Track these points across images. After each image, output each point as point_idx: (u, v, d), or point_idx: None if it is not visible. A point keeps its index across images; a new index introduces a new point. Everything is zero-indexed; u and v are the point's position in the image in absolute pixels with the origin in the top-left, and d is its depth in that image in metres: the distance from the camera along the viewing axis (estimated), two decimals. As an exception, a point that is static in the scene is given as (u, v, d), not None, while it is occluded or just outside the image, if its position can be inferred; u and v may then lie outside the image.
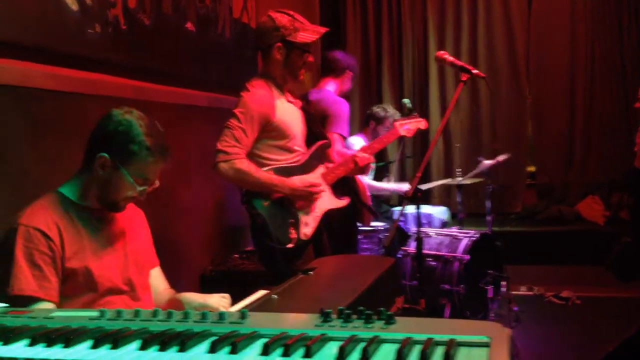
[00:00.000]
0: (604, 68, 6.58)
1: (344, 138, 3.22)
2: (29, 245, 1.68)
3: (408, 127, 3.32)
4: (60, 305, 1.72)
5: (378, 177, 5.32)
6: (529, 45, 6.79)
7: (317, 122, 3.05)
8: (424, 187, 4.94)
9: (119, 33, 2.92)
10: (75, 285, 1.76)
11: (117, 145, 1.78)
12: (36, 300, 1.66)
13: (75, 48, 2.64)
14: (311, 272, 2.07)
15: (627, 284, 3.13)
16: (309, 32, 2.73)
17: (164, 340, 0.92)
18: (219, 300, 1.95)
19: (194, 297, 2.04)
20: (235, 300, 1.95)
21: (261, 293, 1.92)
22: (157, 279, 2.12)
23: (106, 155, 1.78)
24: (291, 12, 2.76)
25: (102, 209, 1.89)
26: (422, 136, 6.58)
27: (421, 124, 3.39)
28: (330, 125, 3.20)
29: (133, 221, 2.03)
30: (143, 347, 0.92)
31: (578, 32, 6.64)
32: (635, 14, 6.45)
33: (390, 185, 5.14)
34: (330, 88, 3.44)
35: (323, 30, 2.79)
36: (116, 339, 0.93)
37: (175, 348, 0.92)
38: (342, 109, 3.25)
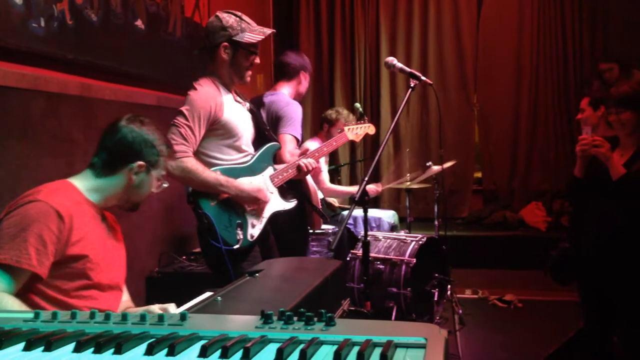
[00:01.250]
0: (548, 79, 6.81)
1: (297, 139, 3.21)
2: (42, 221, 1.75)
3: (357, 132, 3.38)
4: (50, 286, 1.80)
5: (329, 180, 5.36)
6: (477, 56, 6.95)
7: (265, 125, 3.04)
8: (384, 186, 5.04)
9: (65, 28, 2.85)
10: (72, 271, 1.84)
11: (149, 152, 2.00)
12: (26, 273, 1.72)
13: (19, 42, 2.56)
14: (257, 274, 2.07)
15: (565, 287, 3.23)
16: (255, 33, 2.73)
17: (99, 343, 0.90)
18: (162, 306, 1.94)
19: (137, 308, 2.07)
20: (181, 304, 1.93)
21: (206, 295, 1.91)
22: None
23: (142, 162, 1.98)
24: (238, 13, 2.75)
25: (100, 209, 2.00)
26: (372, 140, 6.66)
27: (370, 129, 3.46)
28: (283, 126, 3.18)
29: (118, 230, 2.15)
30: (77, 350, 0.90)
31: (524, 44, 6.85)
32: (579, 27, 6.69)
33: (345, 188, 5.19)
34: (285, 91, 3.42)
35: (269, 31, 2.79)
36: (50, 341, 0.91)
37: (111, 350, 0.90)
38: (295, 110, 3.23)
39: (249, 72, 2.78)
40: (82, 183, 1.97)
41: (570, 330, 3.40)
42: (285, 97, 3.35)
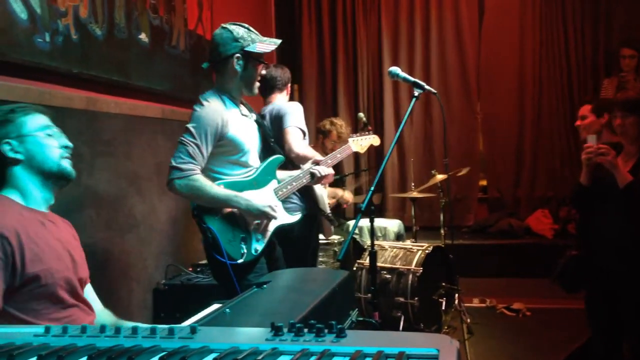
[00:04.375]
0: (551, 87, 6.81)
1: (303, 132, 3.25)
2: None
3: (361, 143, 3.40)
4: (19, 313, 1.66)
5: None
6: (479, 64, 6.96)
7: (271, 136, 3.05)
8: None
9: (70, 43, 2.86)
10: (37, 290, 1.69)
11: (4, 134, 1.78)
12: None
13: (24, 57, 2.58)
14: (265, 286, 2.06)
15: (573, 294, 3.21)
16: (265, 43, 2.73)
17: (111, 357, 0.90)
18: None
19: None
20: (188, 316, 1.91)
21: (214, 307, 1.90)
22: (91, 295, 2.02)
23: (6, 143, 1.77)
24: (245, 24, 2.76)
25: (45, 214, 1.84)
26: (376, 150, 6.66)
27: (374, 140, 3.48)
28: (285, 121, 3.25)
29: (70, 230, 1.98)
30: (89, 364, 0.90)
31: (526, 51, 6.86)
32: (581, 34, 6.70)
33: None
34: (281, 100, 3.53)
35: (278, 41, 2.80)
36: (61, 356, 0.91)
37: (122, 364, 0.90)
38: (295, 106, 3.34)
39: (257, 84, 2.79)
40: (13, 193, 1.80)
41: (579, 338, 3.37)
42: (283, 102, 3.47)
